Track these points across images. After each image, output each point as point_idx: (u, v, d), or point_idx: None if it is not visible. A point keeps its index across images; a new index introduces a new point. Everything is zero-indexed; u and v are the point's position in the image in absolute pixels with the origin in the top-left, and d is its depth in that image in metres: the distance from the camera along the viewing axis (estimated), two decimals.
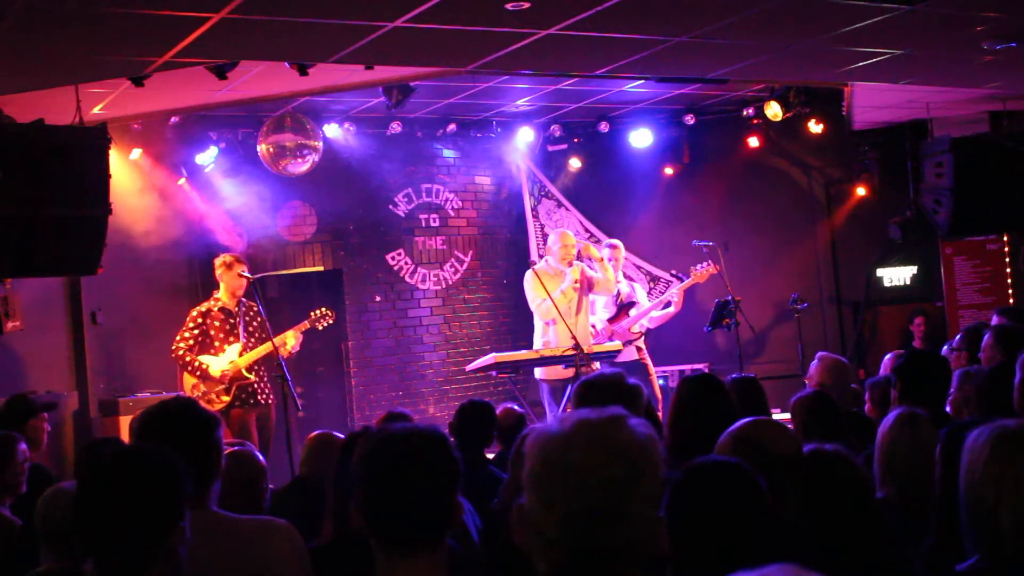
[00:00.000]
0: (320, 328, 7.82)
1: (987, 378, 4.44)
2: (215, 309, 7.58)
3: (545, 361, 8.26)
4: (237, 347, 7.52)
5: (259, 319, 7.58)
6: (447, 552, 2.12)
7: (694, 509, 2.27)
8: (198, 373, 7.48)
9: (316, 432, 4.92)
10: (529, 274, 8.28)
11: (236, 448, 4.25)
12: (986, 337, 5.37)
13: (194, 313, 7.61)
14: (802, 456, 2.88)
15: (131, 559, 2.22)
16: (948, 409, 4.67)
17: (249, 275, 7.45)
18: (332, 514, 3.29)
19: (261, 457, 4.16)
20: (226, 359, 7.51)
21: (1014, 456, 2.29)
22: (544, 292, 8.01)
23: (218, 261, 7.65)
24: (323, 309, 7.79)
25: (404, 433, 2.15)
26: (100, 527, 2.24)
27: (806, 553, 2.64)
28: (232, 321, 7.58)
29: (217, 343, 7.54)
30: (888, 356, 5.84)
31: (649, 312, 8.98)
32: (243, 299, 7.63)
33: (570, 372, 7.82)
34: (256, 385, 7.57)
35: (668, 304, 9.07)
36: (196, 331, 7.53)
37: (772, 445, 2.83)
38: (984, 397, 4.36)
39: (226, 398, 7.47)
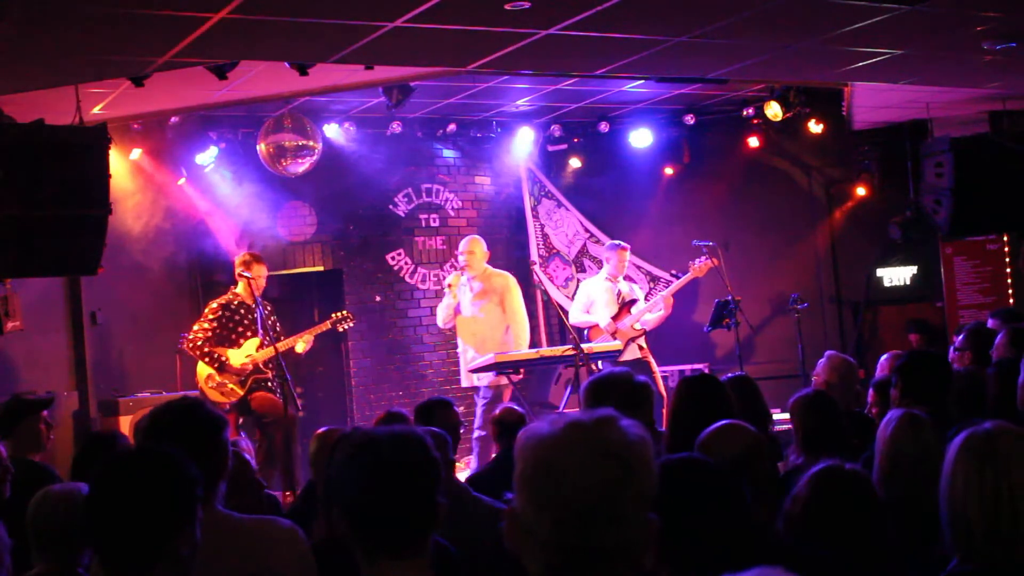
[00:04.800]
0: (341, 329, 8.00)
1: (965, 380, 4.47)
2: (235, 303, 7.65)
3: (545, 361, 8.30)
4: (255, 342, 7.58)
5: (273, 317, 7.66)
6: (434, 553, 2.11)
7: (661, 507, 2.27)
8: (216, 364, 7.51)
9: (321, 431, 4.82)
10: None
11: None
12: (999, 336, 5.37)
13: (214, 305, 7.67)
14: (753, 458, 2.90)
15: (137, 559, 2.22)
16: None
17: (248, 275, 7.48)
18: (323, 513, 3.29)
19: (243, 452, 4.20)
20: (244, 352, 7.56)
21: (980, 459, 2.30)
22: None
23: (240, 259, 7.72)
24: (344, 312, 8.00)
25: (382, 437, 2.12)
26: (109, 525, 2.25)
27: (787, 558, 2.66)
28: (252, 316, 7.63)
29: (234, 336, 7.59)
30: (884, 357, 5.83)
31: (644, 313, 8.98)
32: (261, 296, 7.68)
33: (502, 379, 8.12)
34: (271, 383, 7.64)
35: (659, 307, 9.07)
36: (215, 323, 7.58)
37: (719, 450, 2.85)
38: (963, 398, 4.38)
39: (240, 390, 7.51)
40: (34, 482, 3.41)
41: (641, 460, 1.65)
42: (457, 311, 8.34)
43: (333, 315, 7.95)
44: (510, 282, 8.40)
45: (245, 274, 7.52)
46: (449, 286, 8.38)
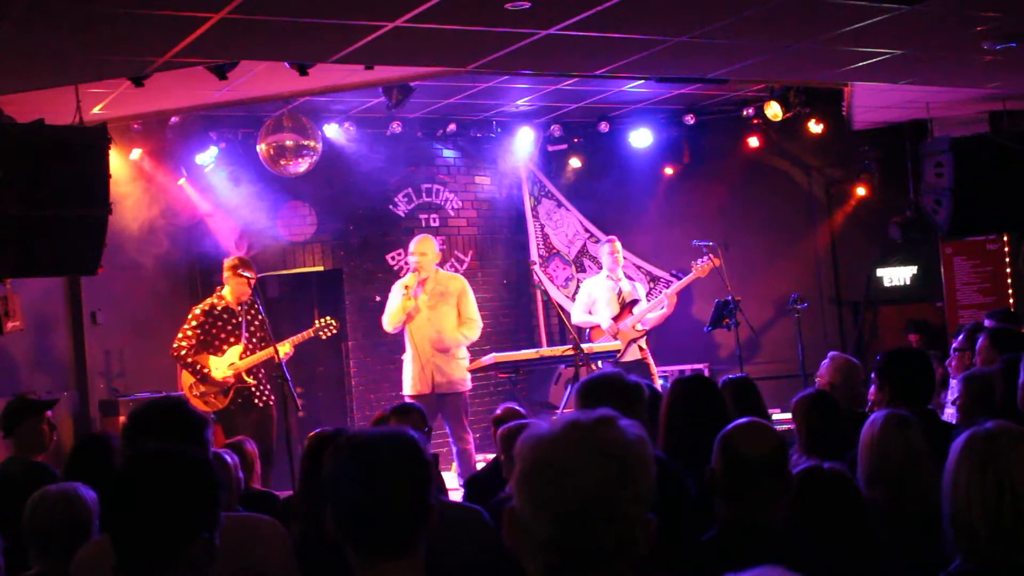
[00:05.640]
0: (324, 337, 7.85)
1: (981, 380, 4.46)
2: (219, 308, 7.58)
3: (545, 361, 8.28)
4: (238, 349, 7.52)
5: (260, 319, 7.59)
6: (425, 554, 2.11)
7: None
8: (199, 375, 7.48)
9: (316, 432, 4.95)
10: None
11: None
12: (980, 339, 5.38)
13: (197, 311, 7.59)
14: (778, 456, 2.90)
15: (155, 558, 2.19)
16: (955, 411, 4.69)
17: (248, 275, 7.45)
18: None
19: (230, 458, 4.23)
20: (227, 361, 7.50)
21: (982, 458, 2.29)
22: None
23: (226, 263, 7.64)
24: (328, 319, 7.82)
25: (375, 437, 2.13)
26: (130, 523, 2.22)
27: (791, 557, 2.67)
28: (235, 321, 7.58)
29: (218, 343, 7.54)
30: (879, 357, 5.83)
31: (646, 313, 8.99)
32: (246, 300, 7.64)
33: (464, 384, 7.85)
34: (254, 389, 7.57)
35: (662, 306, 9.09)
36: (198, 329, 7.51)
37: (743, 448, 2.85)
38: (976, 399, 4.37)
39: (224, 400, 7.47)
40: (35, 483, 3.42)
41: (640, 460, 1.66)
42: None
43: (316, 322, 7.76)
44: (466, 284, 8.10)
45: (245, 273, 7.44)
46: (407, 287, 7.86)
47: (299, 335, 7.61)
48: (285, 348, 7.44)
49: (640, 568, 1.67)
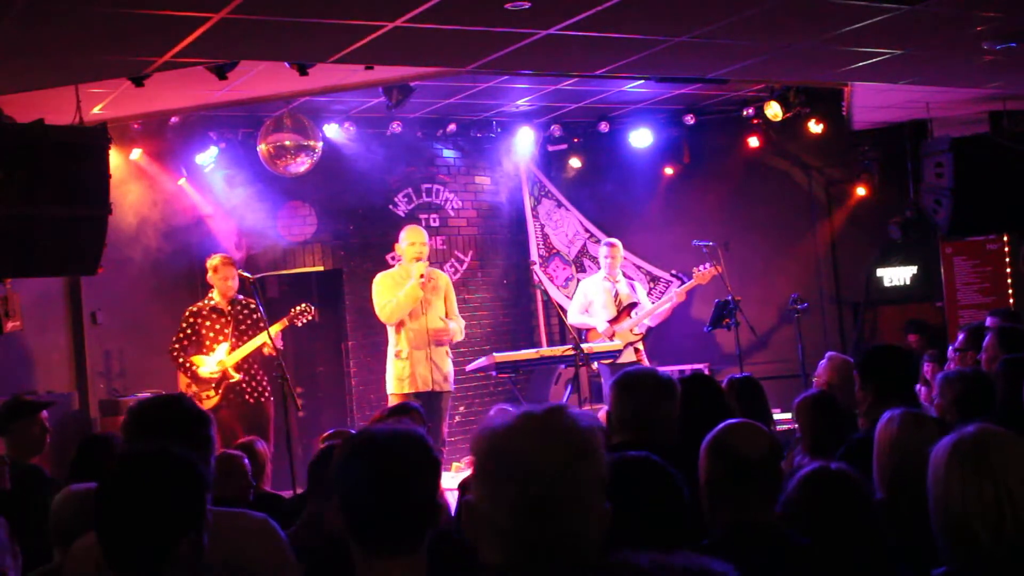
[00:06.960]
0: (299, 324, 7.82)
1: (970, 382, 4.45)
2: (206, 309, 7.67)
3: (545, 361, 8.27)
4: (226, 347, 7.58)
5: (253, 317, 7.64)
6: (434, 539, 2.13)
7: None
8: (190, 375, 7.56)
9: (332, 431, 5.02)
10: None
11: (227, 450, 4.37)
12: (987, 338, 5.38)
13: (186, 313, 7.69)
14: (775, 457, 2.90)
15: (144, 560, 2.20)
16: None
17: (249, 275, 7.47)
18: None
19: (246, 460, 4.24)
20: (215, 359, 7.56)
21: (975, 465, 2.27)
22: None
23: (208, 264, 7.71)
24: (304, 305, 7.78)
25: (382, 435, 2.14)
26: (117, 525, 2.22)
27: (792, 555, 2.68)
28: (223, 320, 7.63)
29: (207, 342, 7.61)
30: (861, 356, 5.81)
31: (651, 313, 8.99)
32: (237, 298, 7.69)
33: (421, 387, 7.58)
34: (243, 384, 7.59)
35: (671, 299, 9.11)
36: (188, 331, 7.62)
37: (741, 449, 2.85)
38: (964, 401, 4.34)
39: (215, 398, 7.50)
40: (26, 485, 3.41)
41: (592, 447, 1.69)
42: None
43: (292, 310, 7.69)
44: (448, 280, 8.04)
45: (248, 275, 7.48)
46: (422, 276, 7.52)
47: (275, 324, 7.54)
48: (263, 338, 7.45)
49: (598, 555, 1.68)
